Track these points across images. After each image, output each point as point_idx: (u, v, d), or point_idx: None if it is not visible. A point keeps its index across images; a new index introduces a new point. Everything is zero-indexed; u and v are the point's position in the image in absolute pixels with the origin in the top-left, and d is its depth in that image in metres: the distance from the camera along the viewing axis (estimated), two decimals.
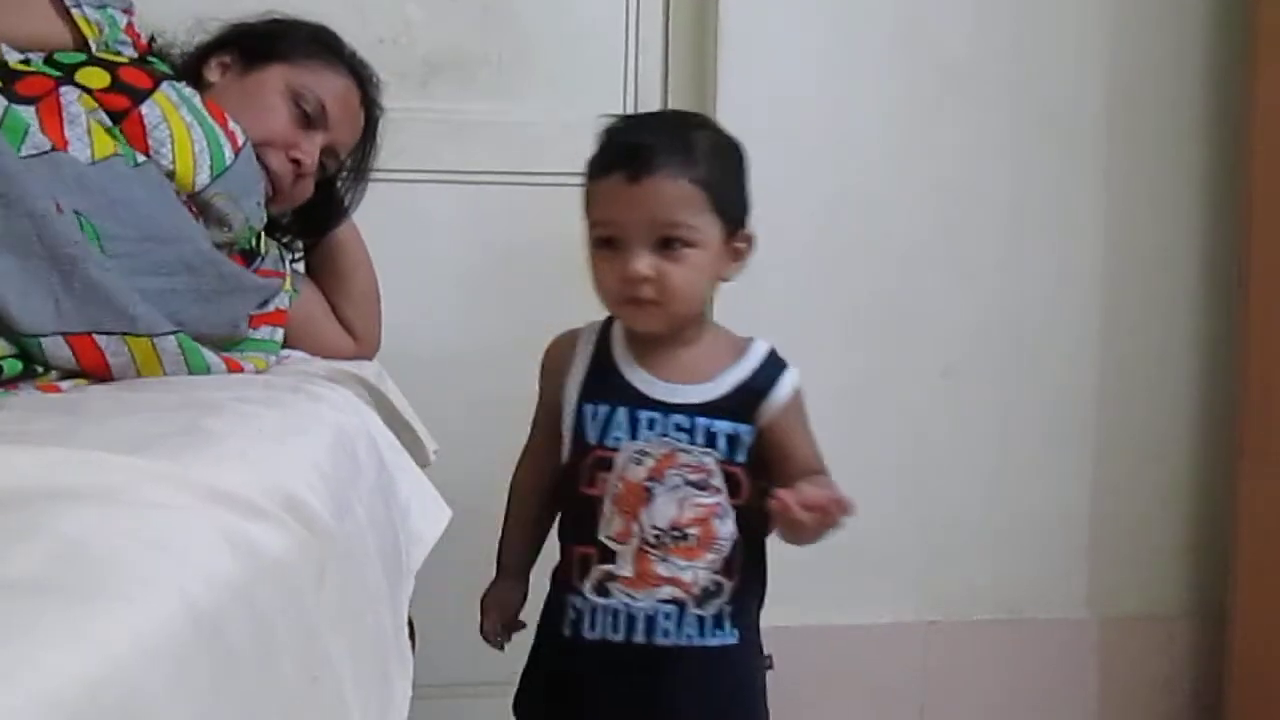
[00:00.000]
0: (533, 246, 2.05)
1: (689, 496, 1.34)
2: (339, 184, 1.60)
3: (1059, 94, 2.22)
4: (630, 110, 2.09)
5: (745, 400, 1.36)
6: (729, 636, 1.38)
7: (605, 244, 1.32)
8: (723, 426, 1.34)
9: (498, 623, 1.50)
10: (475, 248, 2.07)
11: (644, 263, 1.29)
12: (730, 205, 1.34)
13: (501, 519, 1.52)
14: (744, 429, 1.35)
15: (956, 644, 2.26)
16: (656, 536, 1.34)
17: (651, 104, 2.09)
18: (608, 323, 1.42)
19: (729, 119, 2.00)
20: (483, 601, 1.51)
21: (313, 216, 1.58)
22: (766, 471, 1.37)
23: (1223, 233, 2.28)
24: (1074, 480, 2.30)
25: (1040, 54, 2.22)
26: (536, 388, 1.47)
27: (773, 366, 1.39)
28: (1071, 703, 2.31)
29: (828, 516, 1.26)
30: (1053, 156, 2.23)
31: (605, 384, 1.38)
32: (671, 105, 2.10)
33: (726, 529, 1.36)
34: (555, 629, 1.40)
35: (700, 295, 1.35)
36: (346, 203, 1.60)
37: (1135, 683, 2.32)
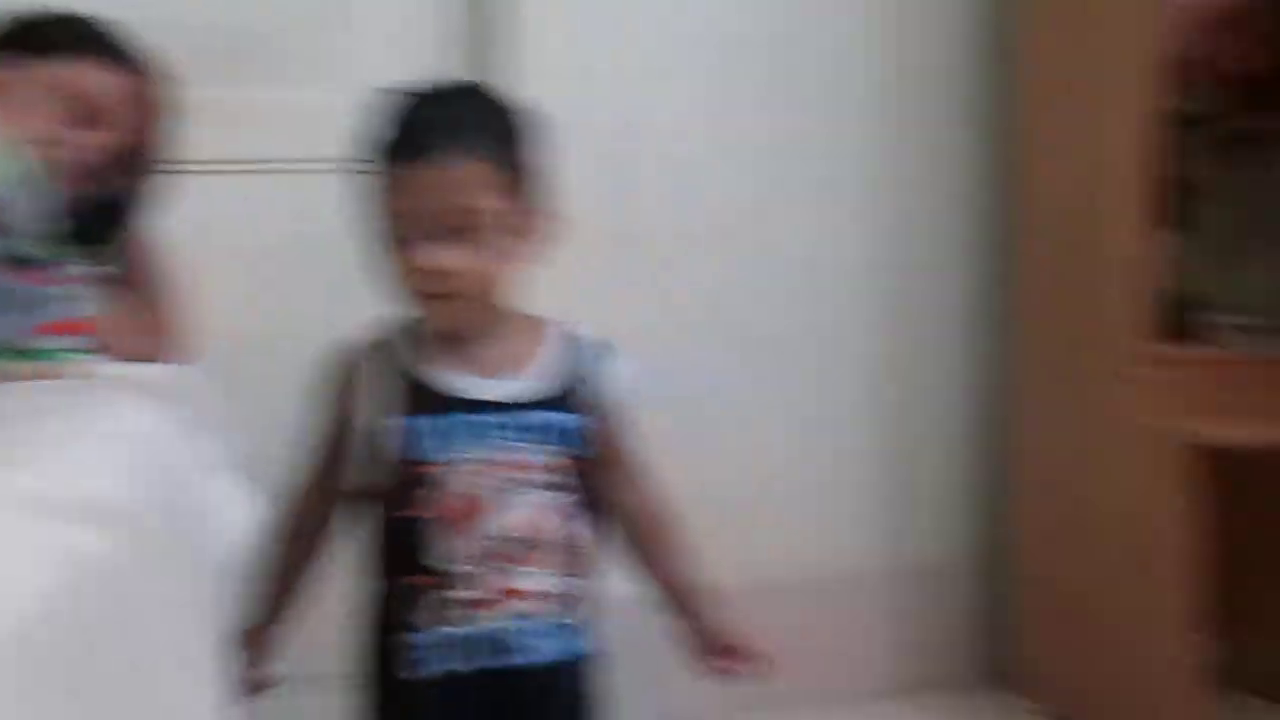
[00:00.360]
0: (316, 237, 2.02)
1: (528, 498, 1.25)
2: (132, 182, 1.56)
3: (827, 70, 2.32)
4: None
5: (575, 388, 1.30)
6: (595, 644, 1.31)
7: (397, 237, 1.24)
8: (557, 419, 1.27)
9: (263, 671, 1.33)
10: (256, 240, 2.03)
11: (440, 255, 1.21)
12: (523, 182, 1.27)
13: None
14: (572, 419, 1.28)
15: (753, 606, 2.33)
16: (494, 547, 1.23)
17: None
18: (406, 326, 1.32)
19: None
20: (248, 646, 1.31)
21: (108, 218, 1.53)
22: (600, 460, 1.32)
23: (989, 202, 2.42)
24: (860, 435, 2.40)
25: (815, 32, 2.31)
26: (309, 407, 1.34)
27: (600, 352, 1.33)
28: (866, 655, 2.41)
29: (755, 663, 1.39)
30: (823, 126, 2.33)
31: (426, 393, 1.27)
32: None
33: (576, 527, 1.28)
34: (386, 674, 1.26)
35: (502, 282, 1.27)
36: (140, 203, 1.56)
37: (926, 633, 2.44)
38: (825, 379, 2.37)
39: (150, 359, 1.54)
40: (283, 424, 1.86)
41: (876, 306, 2.39)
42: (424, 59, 2.09)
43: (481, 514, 1.22)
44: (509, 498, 1.23)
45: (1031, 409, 2.34)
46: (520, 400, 1.26)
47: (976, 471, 2.47)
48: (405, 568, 1.24)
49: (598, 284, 2.14)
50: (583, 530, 1.29)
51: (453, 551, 1.22)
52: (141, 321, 1.60)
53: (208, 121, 1.96)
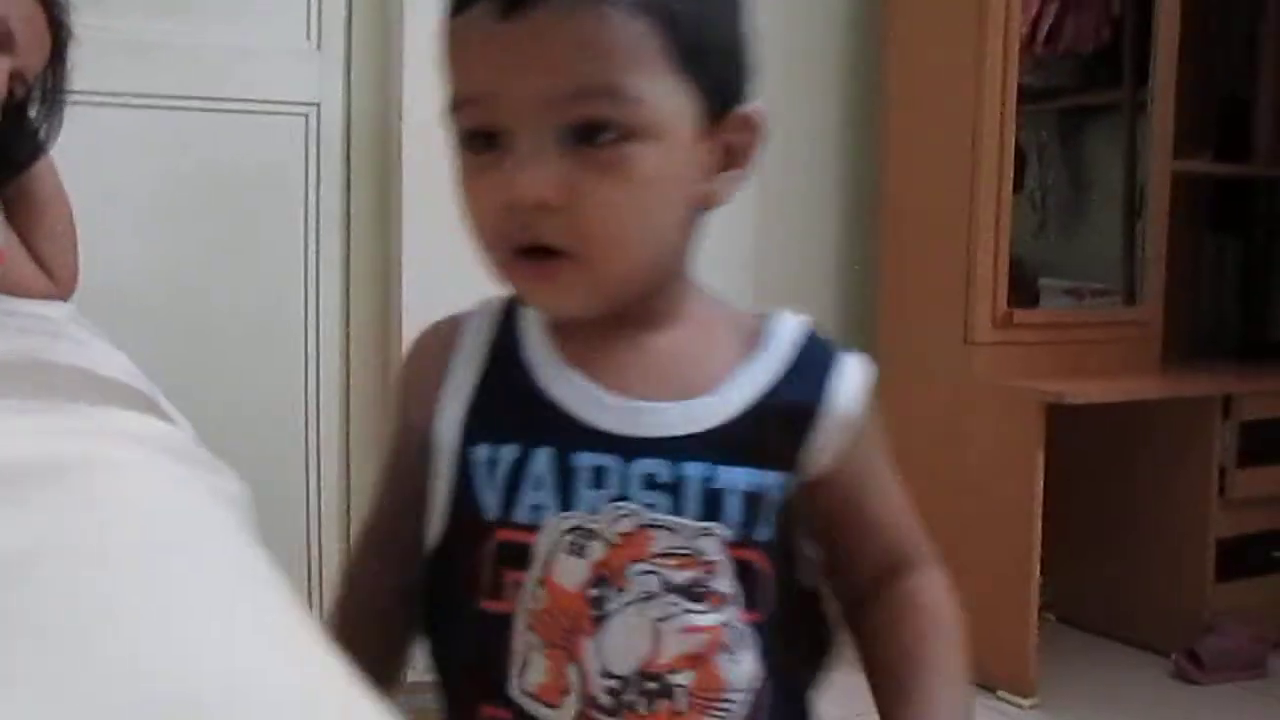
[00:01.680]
0: (214, 176, 1.97)
1: (673, 615, 0.72)
2: (31, 113, 1.48)
3: None
4: (313, 33, 2.03)
5: (777, 425, 0.76)
6: None
7: (478, 140, 0.70)
8: (736, 477, 0.73)
9: None
10: (152, 176, 1.96)
11: (541, 174, 0.68)
12: (714, 59, 0.73)
13: None
14: (774, 479, 0.75)
15: None
16: (614, 692, 0.72)
17: (336, 29, 2.04)
18: (512, 299, 0.81)
19: (418, 42, 2.01)
20: None
21: (5, 149, 1.45)
22: (822, 547, 0.81)
23: (862, 175, 2.52)
24: None
25: None
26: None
27: (820, 357, 0.78)
28: None
29: None
30: None
31: (510, 406, 0.77)
32: (356, 28, 2.05)
33: (742, 670, 0.74)
34: None
35: (662, 234, 0.73)
36: (42, 133, 1.48)
37: None
38: None
39: (39, 295, 1.49)
40: (169, 372, 1.82)
41: (750, 275, 2.47)
42: (333, 10, 2.04)
43: (599, 631, 0.72)
44: (646, 609, 0.72)
45: (891, 371, 2.46)
46: (690, 437, 0.74)
47: None
48: (478, 691, 0.75)
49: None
50: (762, 673, 0.75)
51: (547, 684, 0.72)
52: (34, 256, 1.53)
53: (103, 53, 1.88)
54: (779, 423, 0.76)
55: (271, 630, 0.41)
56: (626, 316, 0.76)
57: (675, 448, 0.73)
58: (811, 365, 0.78)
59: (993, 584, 2.19)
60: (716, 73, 0.73)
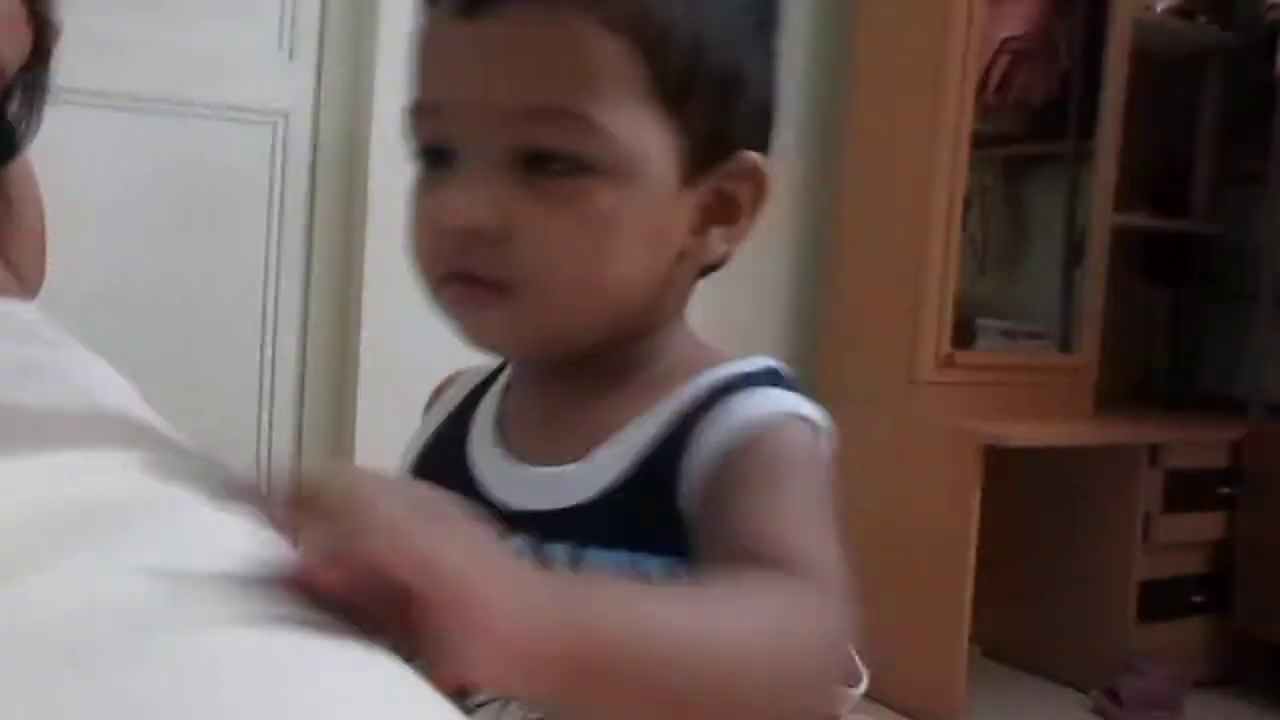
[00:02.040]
0: (178, 179, 1.96)
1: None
2: (9, 111, 1.46)
3: None
4: (285, 37, 2.02)
5: (653, 491, 0.62)
6: None
7: (430, 155, 0.64)
8: (605, 562, 0.61)
9: None
10: (114, 176, 1.94)
11: (480, 197, 0.60)
12: (710, 92, 0.63)
13: None
14: (654, 565, 0.61)
15: None
16: None
17: (309, 38, 2.04)
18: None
19: (391, 51, 2.01)
20: None
21: None
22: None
23: (812, 216, 2.57)
24: None
25: None
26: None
27: (720, 398, 0.63)
28: None
29: None
30: None
31: (438, 468, 0.71)
32: (328, 36, 2.05)
33: None
34: None
35: (620, 285, 0.63)
36: (20, 132, 1.46)
37: None
38: None
39: (6, 292, 1.46)
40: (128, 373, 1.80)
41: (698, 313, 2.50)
42: (285, 6, 2.04)
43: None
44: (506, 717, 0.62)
45: (834, 410, 2.51)
46: (551, 512, 0.64)
47: None
48: None
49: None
50: None
51: None
52: (3, 253, 1.51)
53: (80, 49, 1.86)
54: (655, 487, 0.61)
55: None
56: (584, 369, 0.66)
57: (547, 523, 0.62)
58: (704, 409, 0.63)
59: (925, 616, 2.24)
60: (712, 108, 0.63)
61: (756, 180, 0.65)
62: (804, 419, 0.63)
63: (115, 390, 0.96)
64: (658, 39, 0.60)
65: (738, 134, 0.65)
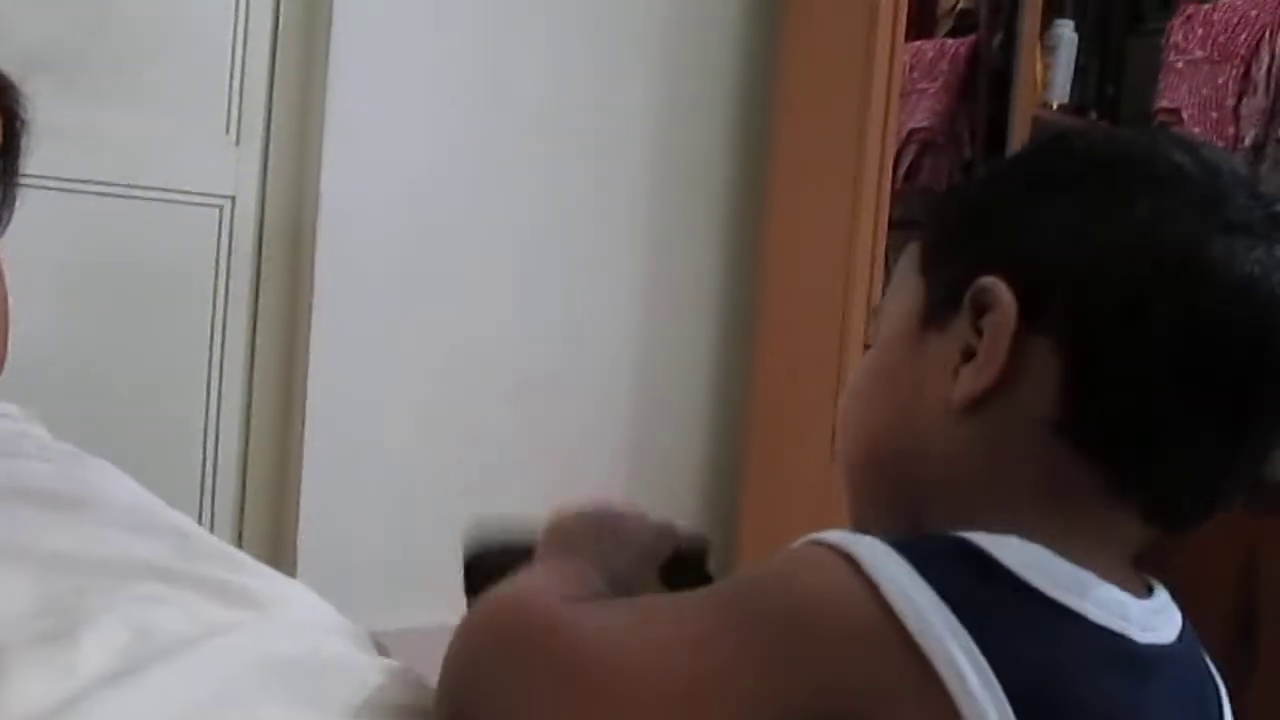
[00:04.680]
0: (123, 264, 1.94)
1: None
2: None
3: (603, 130, 2.46)
4: (233, 126, 2.03)
5: None
6: None
7: None
8: None
9: None
10: (58, 260, 1.91)
11: None
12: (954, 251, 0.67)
13: None
14: None
15: None
16: None
17: (256, 122, 2.04)
18: None
19: (338, 141, 2.04)
20: None
21: None
22: None
23: (739, 286, 2.65)
24: (606, 491, 2.55)
25: (588, 94, 2.43)
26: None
27: None
28: None
29: None
30: (595, 192, 2.46)
31: None
32: (276, 123, 2.06)
33: None
34: None
35: (880, 436, 0.68)
36: None
37: None
38: (582, 424, 2.50)
39: None
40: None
41: (625, 384, 2.56)
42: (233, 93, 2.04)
43: None
44: None
45: (758, 481, 2.58)
46: None
47: (710, 513, 2.69)
48: None
49: (372, 326, 2.15)
50: None
51: None
52: None
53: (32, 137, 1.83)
54: None
55: None
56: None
57: None
58: None
59: None
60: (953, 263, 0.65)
61: (985, 306, 0.63)
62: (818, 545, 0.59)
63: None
64: (934, 224, 0.71)
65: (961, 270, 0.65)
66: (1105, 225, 0.61)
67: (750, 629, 0.54)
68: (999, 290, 0.62)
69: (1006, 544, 0.57)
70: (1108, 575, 0.60)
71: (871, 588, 0.54)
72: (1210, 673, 0.66)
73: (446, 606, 2.38)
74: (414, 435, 2.17)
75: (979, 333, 0.62)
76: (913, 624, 0.53)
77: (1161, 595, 0.64)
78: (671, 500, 2.63)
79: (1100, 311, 0.60)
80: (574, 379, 2.46)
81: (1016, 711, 0.52)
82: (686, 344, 2.62)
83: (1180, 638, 0.63)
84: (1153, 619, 0.61)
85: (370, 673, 0.59)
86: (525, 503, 2.55)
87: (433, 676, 0.54)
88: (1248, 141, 2.82)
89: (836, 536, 0.58)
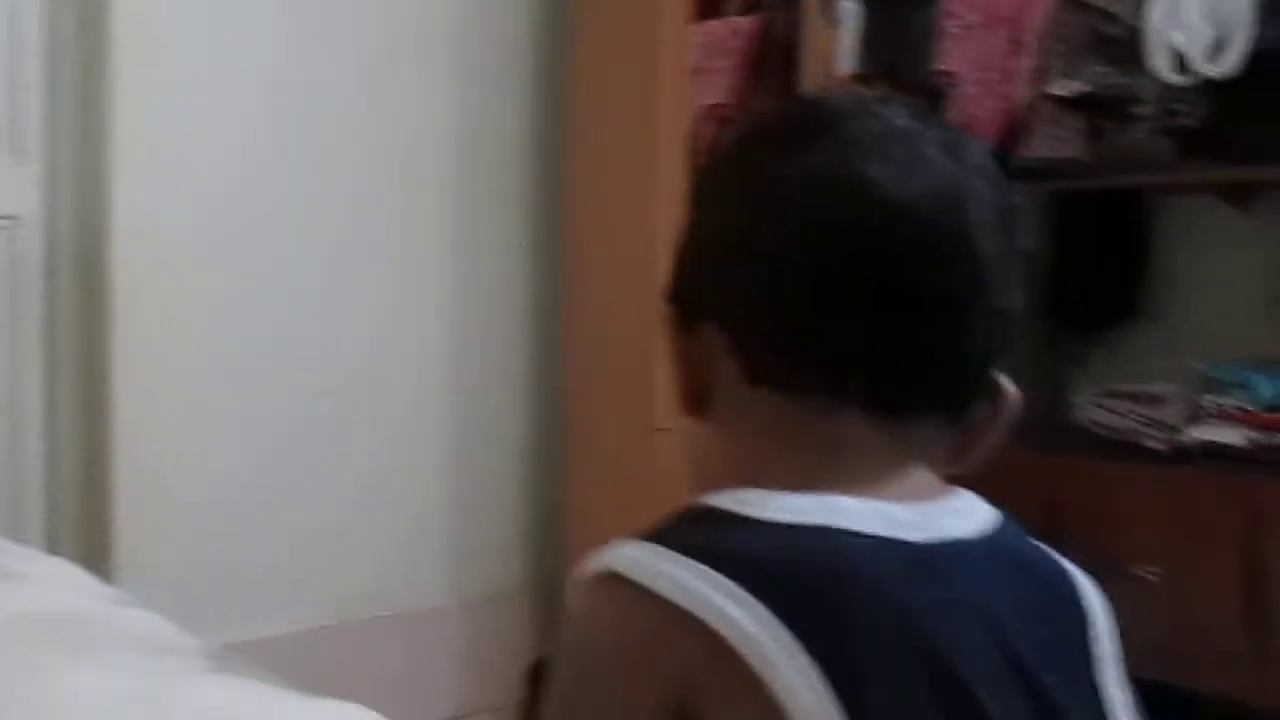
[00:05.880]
0: None
1: None
2: None
3: (405, 140, 2.48)
4: (13, 144, 1.98)
5: None
6: None
7: None
8: None
9: None
10: None
11: None
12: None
13: None
14: None
15: (348, 645, 2.43)
16: None
17: (34, 138, 2.00)
18: None
19: (127, 152, 2.00)
20: None
21: None
22: None
23: (545, 276, 2.70)
24: (431, 483, 2.57)
25: (387, 100, 2.45)
26: None
27: None
28: (441, 682, 2.58)
29: None
30: (398, 189, 2.48)
31: None
32: (58, 138, 2.01)
33: None
34: None
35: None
36: None
37: (491, 655, 2.65)
38: (400, 419, 2.51)
39: None
40: None
41: (448, 364, 2.57)
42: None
43: None
44: None
45: (580, 461, 2.64)
46: None
47: (534, 517, 2.73)
48: None
49: (177, 333, 2.13)
50: None
51: None
52: None
53: None
54: None
55: None
56: None
57: None
58: None
59: None
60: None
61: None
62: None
63: None
64: None
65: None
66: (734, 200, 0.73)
67: (595, 688, 0.62)
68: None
69: (741, 496, 0.66)
70: (874, 492, 0.66)
71: (643, 590, 0.61)
72: (1060, 568, 0.72)
73: (280, 615, 2.37)
74: (231, 442, 2.16)
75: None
76: (681, 600, 0.60)
77: (961, 498, 0.70)
78: (496, 486, 2.66)
79: (720, 270, 0.73)
80: (389, 375, 2.47)
81: (779, 615, 0.59)
82: (498, 333, 2.65)
83: (991, 535, 0.69)
84: (940, 521, 0.67)
85: (126, 620, 0.62)
86: (348, 501, 2.59)
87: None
88: (1023, 99, 2.98)
89: (595, 560, 0.65)
